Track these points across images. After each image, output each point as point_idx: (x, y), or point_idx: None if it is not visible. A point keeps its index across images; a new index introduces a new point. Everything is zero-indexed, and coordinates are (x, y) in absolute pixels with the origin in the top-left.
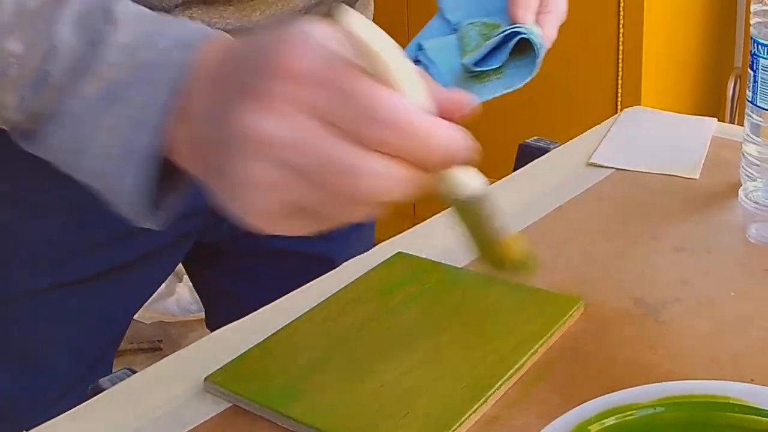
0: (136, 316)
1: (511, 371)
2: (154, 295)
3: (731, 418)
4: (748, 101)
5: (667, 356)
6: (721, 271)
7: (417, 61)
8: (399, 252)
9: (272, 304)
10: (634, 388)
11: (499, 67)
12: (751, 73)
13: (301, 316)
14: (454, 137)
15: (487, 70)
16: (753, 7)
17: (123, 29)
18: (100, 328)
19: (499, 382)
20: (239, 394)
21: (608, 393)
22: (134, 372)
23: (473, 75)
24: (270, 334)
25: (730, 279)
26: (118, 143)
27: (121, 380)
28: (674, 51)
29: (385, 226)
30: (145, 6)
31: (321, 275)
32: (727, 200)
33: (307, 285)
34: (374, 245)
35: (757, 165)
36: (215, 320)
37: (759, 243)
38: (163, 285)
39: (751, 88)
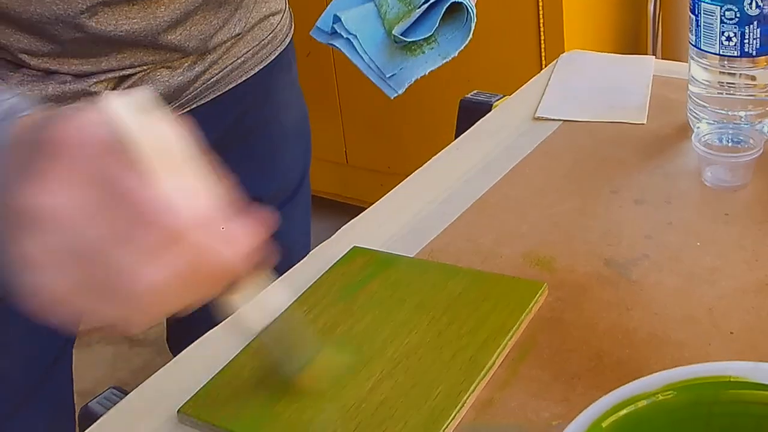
0: None
1: (483, 372)
2: None
3: (736, 395)
4: (692, 45)
5: (645, 317)
6: (683, 220)
7: (334, 33)
8: (355, 246)
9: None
10: (639, 380)
11: (430, 36)
12: (693, 17)
13: (263, 330)
14: (235, 250)
15: (418, 41)
16: None
17: None
18: (50, 332)
19: (472, 386)
20: (214, 424)
21: (594, 362)
22: (122, 391)
23: (403, 46)
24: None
25: (692, 228)
26: None
27: (110, 401)
28: None
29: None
30: (49, 14)
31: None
32: (678, 143)
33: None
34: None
35: (704, 106)
36: (175, 337)
37: (715, 187)
38: None
39: (694, 32)
